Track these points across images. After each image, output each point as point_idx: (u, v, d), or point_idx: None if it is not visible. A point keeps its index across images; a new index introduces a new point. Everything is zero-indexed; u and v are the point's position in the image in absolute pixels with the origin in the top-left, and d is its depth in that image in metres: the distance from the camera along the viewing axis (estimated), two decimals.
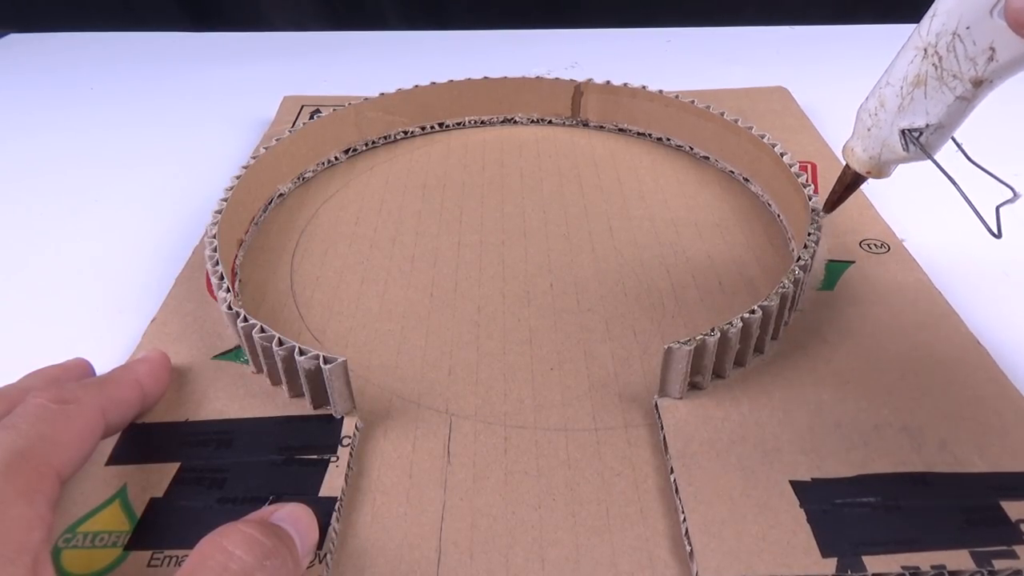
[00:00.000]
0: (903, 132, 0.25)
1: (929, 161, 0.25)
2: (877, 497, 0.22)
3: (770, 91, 0.50)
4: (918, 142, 0.25)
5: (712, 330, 0.25)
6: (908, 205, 0.38)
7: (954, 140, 0.25)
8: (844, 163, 0.28)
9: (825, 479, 0.23)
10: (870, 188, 0.39)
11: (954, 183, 0.24)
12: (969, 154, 0.25)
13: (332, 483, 0.23)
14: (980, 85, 0.22)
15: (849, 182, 0.29)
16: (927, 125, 0.24)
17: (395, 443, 0.25)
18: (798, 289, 0.29)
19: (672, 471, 0.23)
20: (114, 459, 0.24)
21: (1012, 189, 0.24)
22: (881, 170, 0.27)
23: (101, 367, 0.27)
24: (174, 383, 0.27)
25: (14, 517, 0.18)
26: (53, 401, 0.21)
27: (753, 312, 0.26)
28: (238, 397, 0.27)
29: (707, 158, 0.42)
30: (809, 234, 0.30)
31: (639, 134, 0.45)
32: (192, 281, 0.33)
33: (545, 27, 0.68)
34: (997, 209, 0.24)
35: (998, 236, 0.24)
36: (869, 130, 0.26)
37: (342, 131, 0.43)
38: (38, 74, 0.61)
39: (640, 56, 0.62)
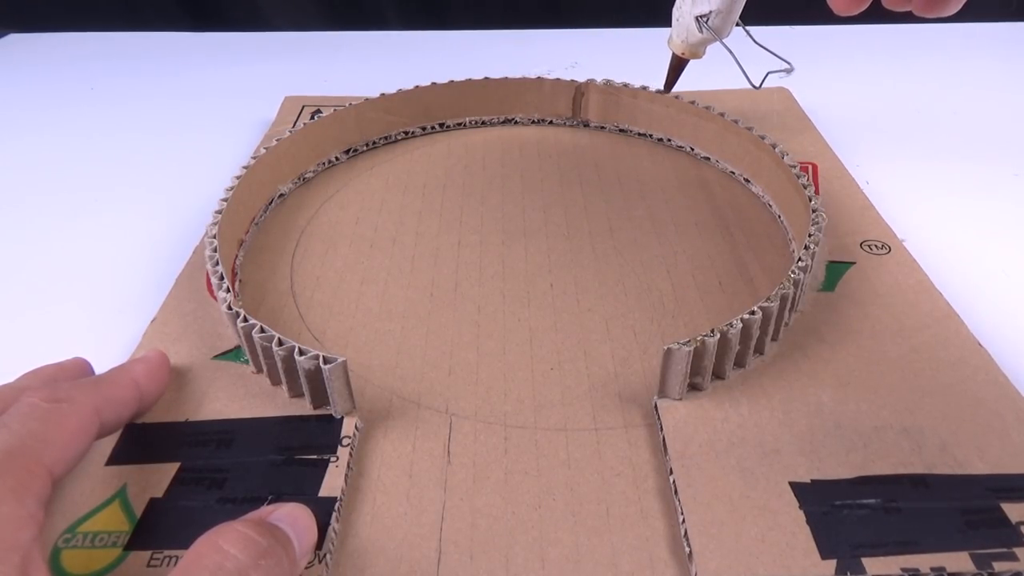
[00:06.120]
0: (697, 18, 0.33)
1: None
2: (877, 499, 0.22)
3: (771, 91, 0.50)
4: (707, 25, 0.33)
5: (712, 331, 0.25)
6: (909, 206, 0.38)
7: (742, 25, 0.34)
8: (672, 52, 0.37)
9: (825, 480, 0.23)
10: (870, 188, 0.39)
11: (732, 54, 0.33)
12: (754, 37, 0.33)
13: (332, 483, 0.23)
14: None
15: (675, 65, 0.37)
16: (711, 11, 0.32)
17: (395, 443, 0.25)
18: (798, 290, 0.29)
19: (671, 472, 0.23)
20: (114, 459, 0.24)
21: (789, 63, 0.34)
22: (695, 51, 0.35)
23: (101, 367, 0.27)
24: (174, 383, 0.27)
25: (3, 516, 0.17)
26: (46, 400, 0.21)
27: (753, 313, 0.26)
28: (238, 397, 0.27)
29: (708, 159, 0.42)
30: (810, 235, 0.30)
31: (640, 135, 0.45)
32: (192, 281, 0.33)
33: (545, 27, 0.68)
34: (767, 74, 0.34)
35: (757, 88, 0.34)
36: (678, 20, 0.34)
37: (342, 131, 0.43)
38: (38, 74, 0.61)
39: (640, 56, 0.61)
